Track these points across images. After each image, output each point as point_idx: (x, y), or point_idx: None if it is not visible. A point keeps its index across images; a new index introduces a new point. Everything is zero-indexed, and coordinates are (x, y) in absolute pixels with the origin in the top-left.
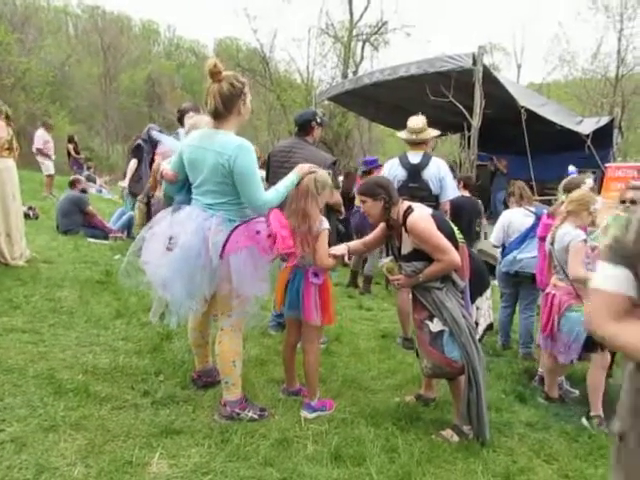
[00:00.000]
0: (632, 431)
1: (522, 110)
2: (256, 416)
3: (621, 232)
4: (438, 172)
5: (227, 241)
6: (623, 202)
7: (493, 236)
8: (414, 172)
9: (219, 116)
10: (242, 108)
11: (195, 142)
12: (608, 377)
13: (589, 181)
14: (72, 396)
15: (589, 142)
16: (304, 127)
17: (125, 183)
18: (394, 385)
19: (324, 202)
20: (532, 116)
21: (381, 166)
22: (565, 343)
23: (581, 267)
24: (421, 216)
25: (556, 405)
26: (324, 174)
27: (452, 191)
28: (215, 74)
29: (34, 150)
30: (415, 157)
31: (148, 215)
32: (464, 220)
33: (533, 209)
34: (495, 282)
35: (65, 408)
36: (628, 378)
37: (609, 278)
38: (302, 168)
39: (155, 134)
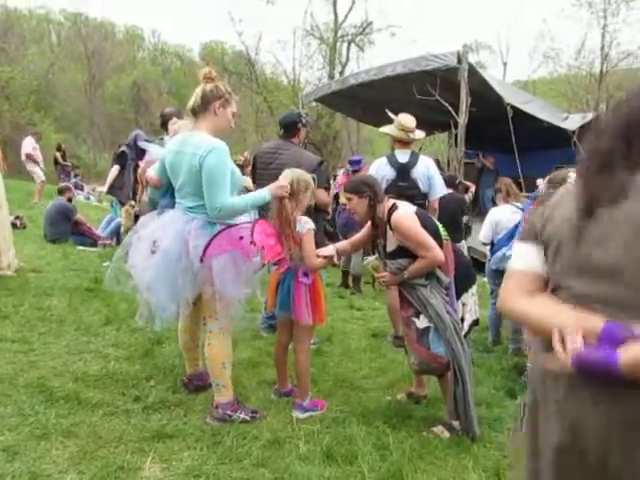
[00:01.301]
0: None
1: (508, 107)
2: (248, 418)
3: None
4: (427, 171)
5: (209, 245)
6: None
7: (481, 234)
8: (403, 171)
9: (196, 113)
10: (218, 110)
11: (175, 147)
12: None
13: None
14: (63, 403)
15: (575, 138)
16: (289, 128)
17: (104, 188)
18: (385, 383)
19: (306, 203)
20: (518, 113)
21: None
22: None
23: None
24: (405, 213)
25: None
26: (305, 175)
27: (441, 189)
28: (208, 78)
29: (23, 157)
30: (403, 156)
31: (136, 220)
32: (449, 217)
33: (520, 205)
34: (484, 279)
35: (56, 416)
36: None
37: (519, 257)
38: (276, 187)
39: (142, 144)
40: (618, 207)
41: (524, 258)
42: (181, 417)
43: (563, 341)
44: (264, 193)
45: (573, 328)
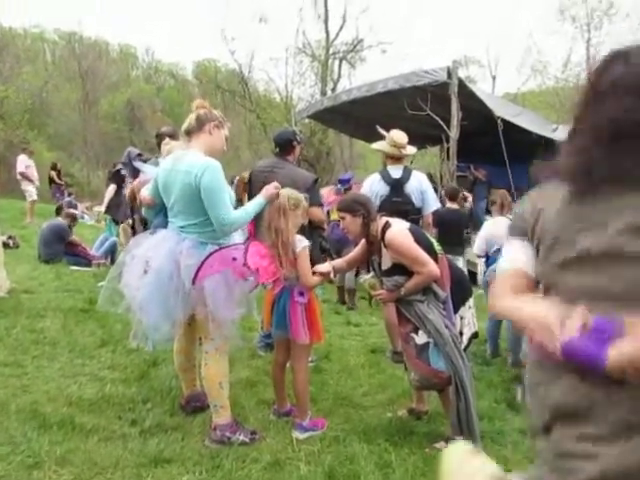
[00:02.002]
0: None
1: (498, 120)
2: (247, 439)
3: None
4: (420, 185)
5: (201, 266)
6: None
7: (476, 246)
8: (397, 186)
9: (190, 133)
10: (213, 130)
11: (168, 166)
12: None
13: None
14: (57, 430)
15: None
16: (285, 147)
17: (102, 208)
18: (385, 400)
19: (298, 222)
20: (509, 126)
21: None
22: None
23: None
24: (399, 230)
25: None
26: (297, 193)
27: (434, 203)
28: (201, 107)
29: (18, 175)
30: (396, 172)
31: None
32: (453, 231)
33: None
34: (481, 290)
35: (50, 443)
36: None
37: (507, 255)
38: (268, 190)
39: (137, 163)
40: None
41: (512, 256)
42: (179, 440)
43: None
44: (259, 199)
45: (568, 317)
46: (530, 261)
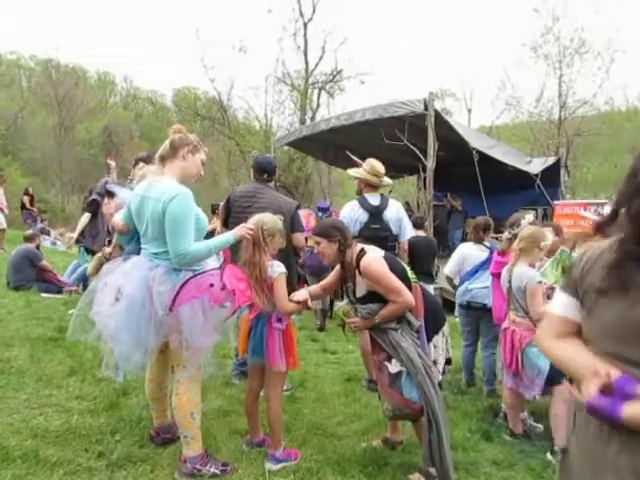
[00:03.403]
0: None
1: (474, 152)
2: (218, 472)
3: (572, 265)
4: (397, 213)
5: (177, 294)
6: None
7: (447, 267)
8: (375, 213)
9: (164, 159)
10: (187, 155)
11: (140, 192)
12: None
13: (529, 217)
14: (20, 463)
15: (538, 181)
16: (272, 173)
17: (74, 234)
18: (360, 429)
19: (275, 248)
20: (484, 157)
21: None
22: (529, 378)
23: (540, 307)
24: (374, 258)
25: (521, 441)
26: (273, 221)
27: (409, 231)
28: (177, 132)
29: None
30: (374, 199)
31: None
32: (420, 259)
33: (488, 244)
34: (456, 318)
35: (13, 477)
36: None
37: (557, 303)
38: (241, 229)
39: (110, 186)
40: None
41: (561, 304)
42: (148, 473)
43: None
44: (228, 236)
45: (591, 376)
46: (575, 311)
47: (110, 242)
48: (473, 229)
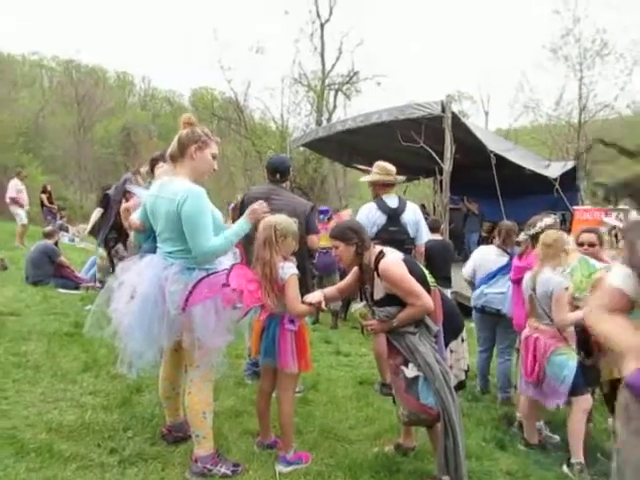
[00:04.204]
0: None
1: (491, 155)
2: (229, 472)
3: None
4: (414, 216)
5: (191, 293)
6: (581, 244)
7: (465, 269)
8: (393, 216)
9: (174, 159)
10: (195, 154)
11: (155, 191)
12: (588, 422)
13: (547, 220)
14: (34, 456)
15: (557, 185)
16: (285, 174)
17: (87, 227)
18: (372, 434)
19: (288, 251)
20: (501, 160)
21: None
22: (552, 387)
23: (566, 314)
24: (393, 261)
25: (536, 452)
26: (287, 222)
27: (426, 234)
28: (186, 124)
29: (7, 199)
30: (392, 201)
31: (111, 261)
32: (437, 263)
33: (508, 249)
34: (471, 324)
35: (27, 470)
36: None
37: (617, 275)
38: (253, 211)
39: (130, 186)
40: None
41: (621, 277)
42: (159, 471)
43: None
44: (242, 223)
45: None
46: (633, 287)
47: (113, 240)
48: (499, 233)
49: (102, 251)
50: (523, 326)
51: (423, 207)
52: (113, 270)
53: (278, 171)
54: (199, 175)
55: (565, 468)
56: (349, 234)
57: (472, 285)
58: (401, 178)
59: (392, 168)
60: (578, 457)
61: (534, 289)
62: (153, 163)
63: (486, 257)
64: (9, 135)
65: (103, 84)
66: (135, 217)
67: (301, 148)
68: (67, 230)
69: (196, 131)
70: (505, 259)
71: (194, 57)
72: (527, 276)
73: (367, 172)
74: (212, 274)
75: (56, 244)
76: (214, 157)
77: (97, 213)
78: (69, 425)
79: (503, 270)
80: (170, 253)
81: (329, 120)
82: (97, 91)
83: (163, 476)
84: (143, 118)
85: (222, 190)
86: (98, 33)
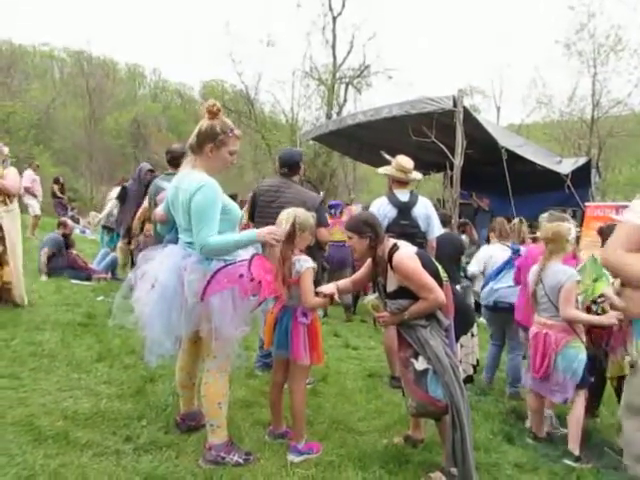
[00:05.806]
0: None
1: (503, 150)
2: (241, 460)
3: None
4: (425, 210)
5: (209, 283)
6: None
7: (471, 266)
8: (404, 210)
9: (192, 151)
10: (211, 153)
11: (175, 183)
12: (595, 417)
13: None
14: (51, 443)
15: (569, 182)
16: (293, 167)
17: (101, 215)
18: (382, 426)
19: (304, 245)
20: (512, 156)
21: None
22: (560, 382)
23: (572, 309)
24: (407, 254)
25: (544, 445)
26: (306, 216)
27: (438, 229)
28: (211, 112)
29: (21, 190)
30: (404, 195)
31: (131, 254)
32: (448, 257)
33: (509, 244)
34: (481, 319)
35: (44, 456)
36: None
37: (637, 213)
38: (269, 234)
39: (159, 182)
40: None
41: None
42: (173, 459)
43: None
44: (252, 234)
45: None
46: None
47: (129, 233)
48: (493, 230)
49: (122, 244)
50: (526, 321)
51: (438, 201)
52: (132, 263)
53: (286, 165)
54: (214, 171)
55: (573, 462)
56: (363, 227)
57: (470, 280)
58: (416, 177)
59: (407, 165)
60: (576, 446)
61: (540, 283)
62: (172, 155)
63: (493, 254)
64: (21, 127)
65: (114, 76)
66: (160, 209)
67: (311, 142)
68: (78, 222)
69: (215, 128)
70: (508, 253)
71: (205, 50)
72: (531, 272)
73: (389, 162)
74: (230, 264)
75: (66, 237)
76: (232, 153)
77: (112, 204)
78: (84, 413)
79: (508, 264)
80: (189, 244)
81: (339, 114)
82: (108, 83)
83: (177, 463)
84: (153, 110)
85: (230, 183)
86: (109, 24)
